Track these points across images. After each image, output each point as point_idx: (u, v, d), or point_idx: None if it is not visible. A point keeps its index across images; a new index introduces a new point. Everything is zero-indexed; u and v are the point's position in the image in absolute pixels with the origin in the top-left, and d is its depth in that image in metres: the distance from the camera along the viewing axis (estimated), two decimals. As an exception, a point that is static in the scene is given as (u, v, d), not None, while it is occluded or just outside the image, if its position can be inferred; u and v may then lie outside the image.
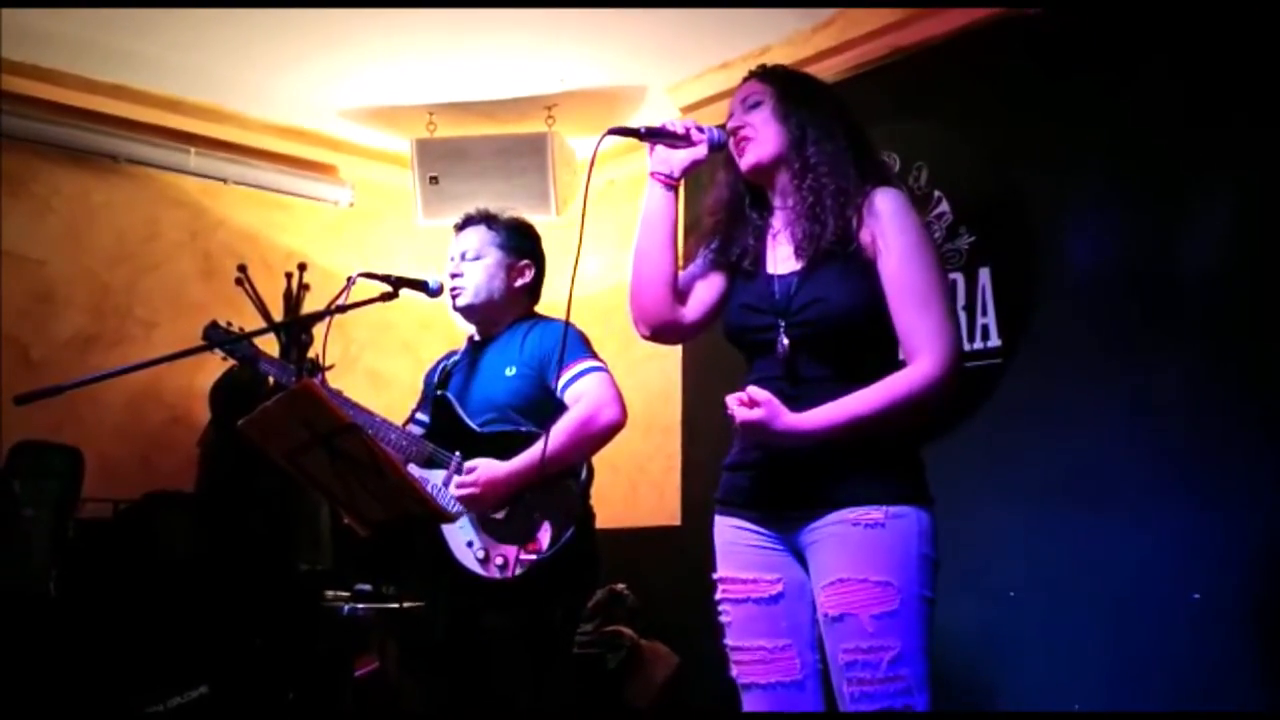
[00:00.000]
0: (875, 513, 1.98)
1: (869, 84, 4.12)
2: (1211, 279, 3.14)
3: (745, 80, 2.26)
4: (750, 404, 2.01)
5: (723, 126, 2.20)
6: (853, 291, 2.05)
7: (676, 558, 4.61)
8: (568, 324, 2.56)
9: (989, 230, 3.68)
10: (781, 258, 2.16)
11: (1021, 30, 3.64)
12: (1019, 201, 3.61)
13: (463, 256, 3.06)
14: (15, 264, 4.54)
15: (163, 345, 4.67)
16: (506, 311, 3.07)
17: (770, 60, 4.29)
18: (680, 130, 2.18)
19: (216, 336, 2.96)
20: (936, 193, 3.84)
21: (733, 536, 2.16)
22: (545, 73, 4.62)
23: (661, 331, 2.29)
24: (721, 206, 2.26)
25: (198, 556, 3.99)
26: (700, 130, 2.19)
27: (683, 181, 2.23)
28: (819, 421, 1.99)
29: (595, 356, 2.96)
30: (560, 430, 2.81)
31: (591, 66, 4.57)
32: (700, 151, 2.19)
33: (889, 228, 2.04)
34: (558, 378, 2.91)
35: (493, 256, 3.05)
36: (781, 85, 2.20)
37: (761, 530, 2.13)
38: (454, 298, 3.05)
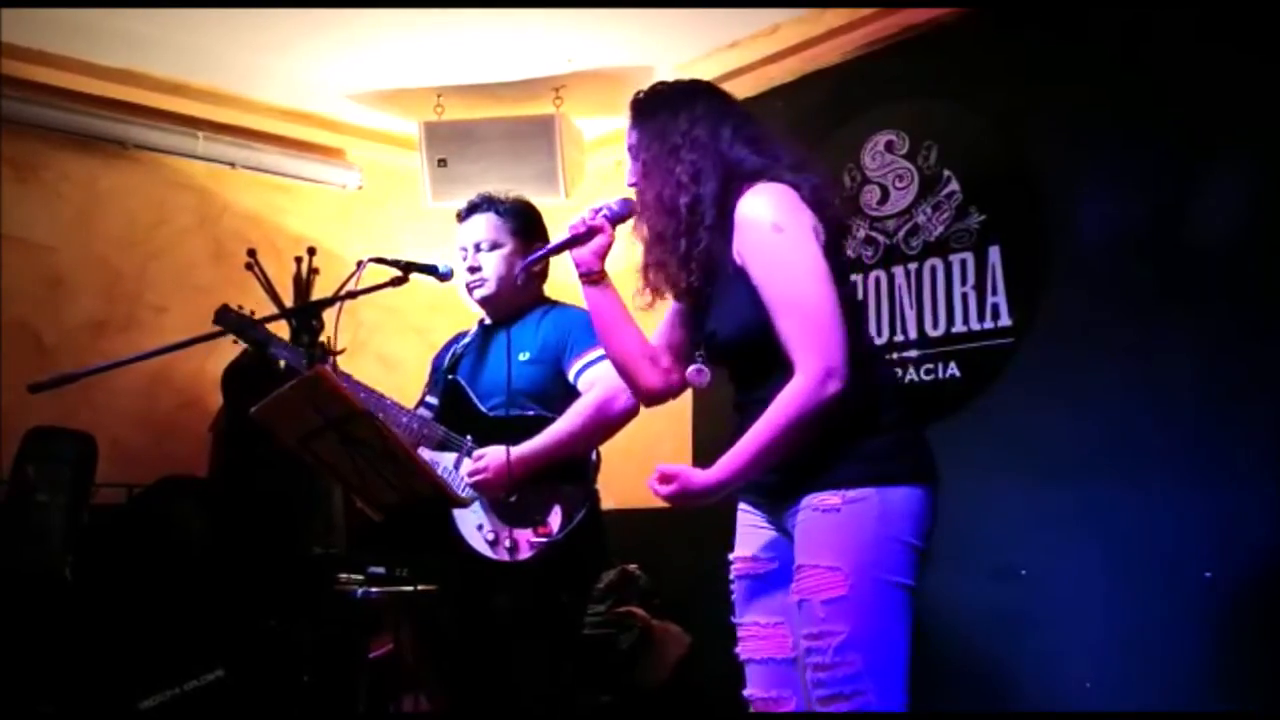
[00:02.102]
0: (833, 498, 1.99)
1: (880, 62, 4.10)
2: (1225, 254, 3.12)
3: None
4: (662, 480, 2.05)
5: (627, 191, 2.23)
6: (737, 316, 2.07)
7: (688, 538, 4.62)
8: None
9: (998, 209, 3.66)
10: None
11: (1031, 6, 3.61)
12: (1029, 179, 3.59)
13: (477, 247, 3.03)
14: (26, 250, 4.55)
15: (173, 330, 4.69)
16: (523, 296, 3.05)
17: (780, 39, 4.35)
18: (579, 230, 2.22)
19: (229, 320, 2.95)
20: (946, 172, 3.83)
21: (742, 519, 2.27)
22: (553, 54, 4.60)
23: (656, 400, 2.34)
24: (646, 257, 2.27)
25: (211, 541, 4.01)
26: (598, 211, 2.22)
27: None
28: (727, 469, 2.02)
29: None
30: (575, 415, 2.82)
31: (599, 47, 4.55)
32: (606, 237, 2.23)
33: (743, 244, 2.03)
34: (571, 364, 2.91)
35: (510, 244, 3.02)
36: (635, 125, 2.21)
37: (761, 515, 2.22)
38: (473, 290, 3.03)
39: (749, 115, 2.22)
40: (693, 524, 4.68)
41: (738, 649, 2.21)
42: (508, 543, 2.82)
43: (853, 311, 2.06)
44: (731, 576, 2.25)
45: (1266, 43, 3.08)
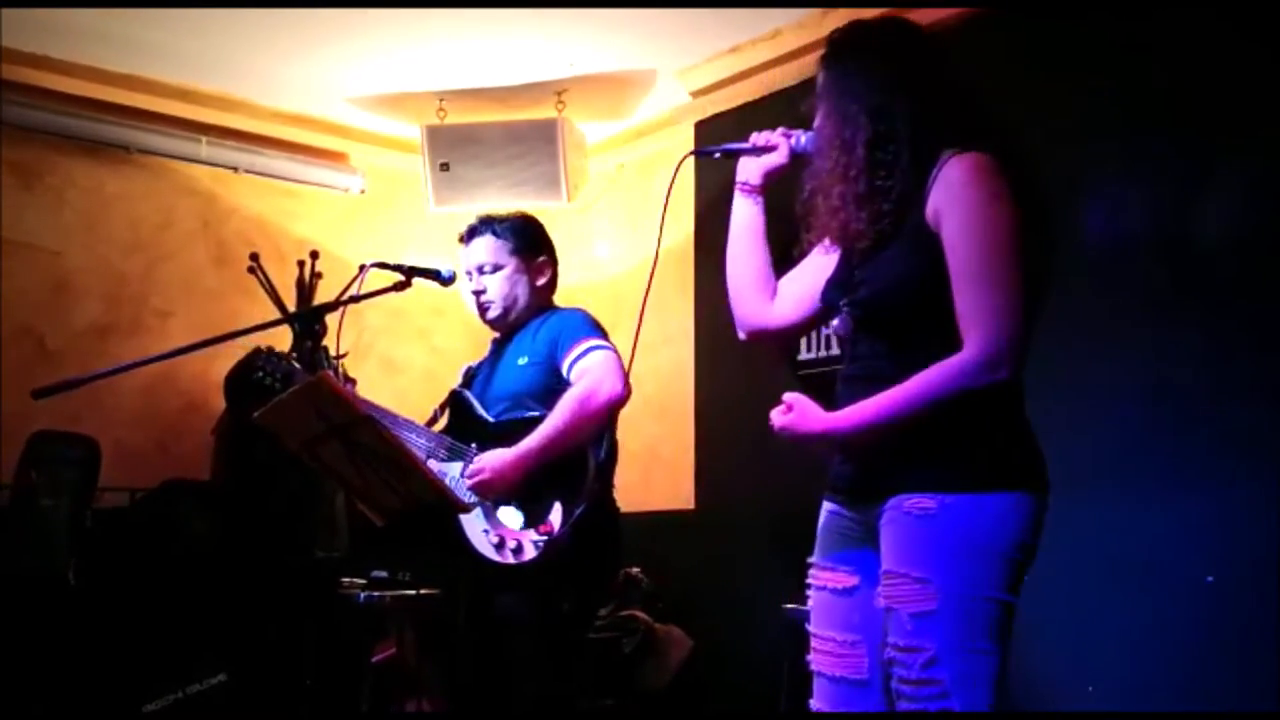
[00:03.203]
0: (927, 501, 1.86)
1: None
2: (1230, 256, 3.11)
3: None
4: (786, 408, 1.95)
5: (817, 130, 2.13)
6: (904, 272, 1.93)
7: (690, 542, 4.64)
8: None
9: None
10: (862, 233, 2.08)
11: (1034, 8, 3.61)
12: (1033, 181, 3.58)
13: (480, 270, 3.08)
14: (31, 255, 4.56)
15: (178, 333, 4.71)
16: (533, 309, 3.10)
17: (782, 44, 4.36)
18: (759, 142, 2.17)
19: (260, 363, 2.96)
20: (949, 175, 3.82)
21: (826, 521, 2.12)
22: (555, 58, 4.61)
23: (756, 335, 2.27)
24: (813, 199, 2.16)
25: (214, 545, 4.02)
26: (787, 135, 2.16)
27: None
28: (850, 420, 1.91)
29: (601, 336, 2.97)
30: (562, 408, 2.83)
31: (601, 51, 4.56)
32: (779, 158, 2.16)
33: (949, 201, 1.90)
34: (563, 360, 2.93)
35: (510, 265, 3.07)
36: (830, 69, 2.07)
37: (848, 514, 2.06)
38: (483, 313, 3.09)
39: (956, 70, 2.08)
40: (694, 526, 4.71)
41: (810, 658, 2.08)
42: (512, 545, 2.83)
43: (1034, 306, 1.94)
44: (809, 583, 2.11)
45: (1275, 40, 3.07)
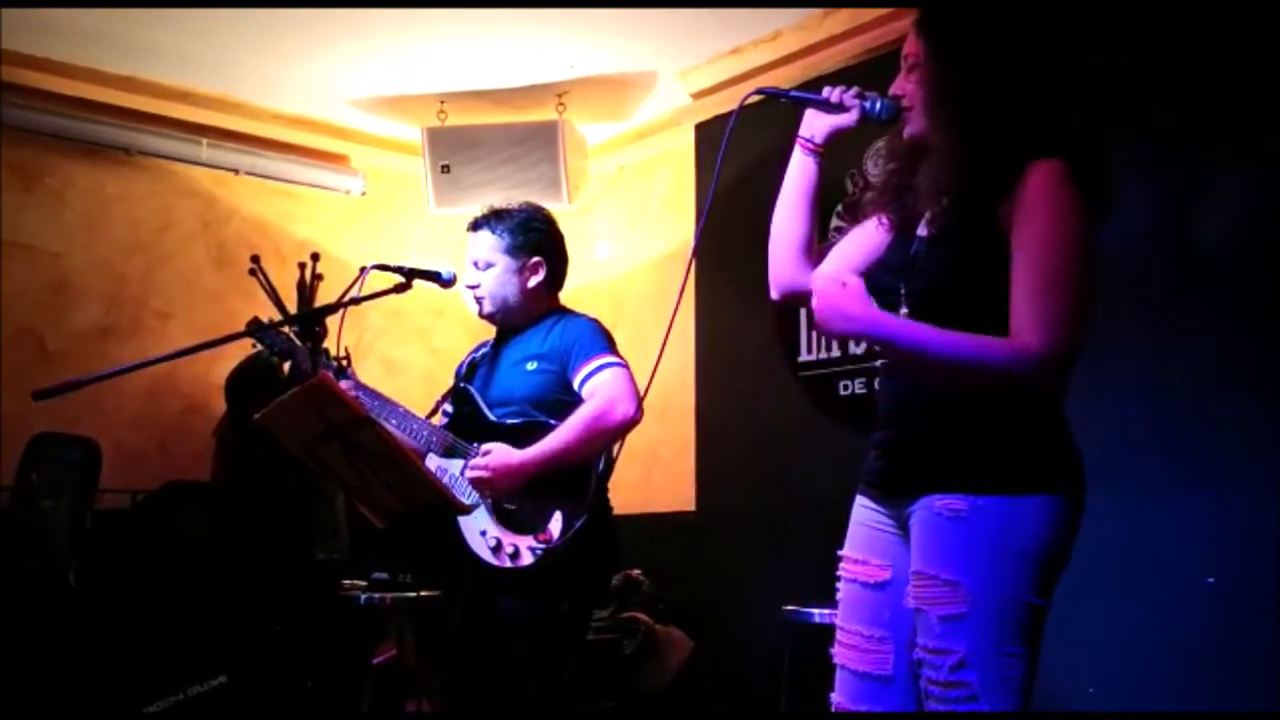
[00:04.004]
0: (959, 503, 1.82)
1: (882, 69, 4.09)
2: (1232, 258, 3.12)
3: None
4: (841, 283, 1.87)
5: (894, 98, 2.04)
6: (970, 266, 1.88)
7: (691, 543, 4.64)
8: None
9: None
10: (929, 220, 2.03)
11: (1035, 9, 3.61)
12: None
13: (475, 264, 3.07)
14: (31, 256, 4.57)
15: (178, 335, 4.72)
16: (528, 309, 3.08)
17: (782, 45, 4.36)
18: (832, 98, 2.07)
19: (259, 331, 2.94)
20: (949, 176, 3.82)
21: (858, 515, 2.07)
22: (555, 60, 4.61)
23: (791, 296, 2.19)
24: (887, 171, 2.13)
25: (215, 546, 4.02)
26: (859, 98, 2.06)
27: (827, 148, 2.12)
28: (884, 327, 1.84)
29: (614, 352, 2.97)
30: (574, 424, 2.82)
31: (602, 53, 4.56)
32: (848, 119, 2.07)
33: (1029, 206, 1.83)
34: (576, 373, 2.93)
35: (501, 263, 3.04)
36: (934, 40, 1.97)
37: (880, 510, 2.02)
38: (478, 307, 3.09)
39: (1057, 73, 2.01)
40: (695, 528, 4.71)
41: (833, 650, 2.04)
42: (510, 549, 2.83)
43: None
44: (839, 575, 2.06)
45: (1276, 43, 3.07)
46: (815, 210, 2.14)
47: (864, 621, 1.99)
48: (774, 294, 2.22)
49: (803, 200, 2.14)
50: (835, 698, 2.04)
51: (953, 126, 1.91)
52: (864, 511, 2.05)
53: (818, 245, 2.18)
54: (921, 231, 2.00)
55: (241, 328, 2.94)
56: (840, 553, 2.07)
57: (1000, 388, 1.82)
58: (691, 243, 4.86)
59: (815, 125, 2.12)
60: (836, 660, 2.04)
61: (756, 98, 2.09)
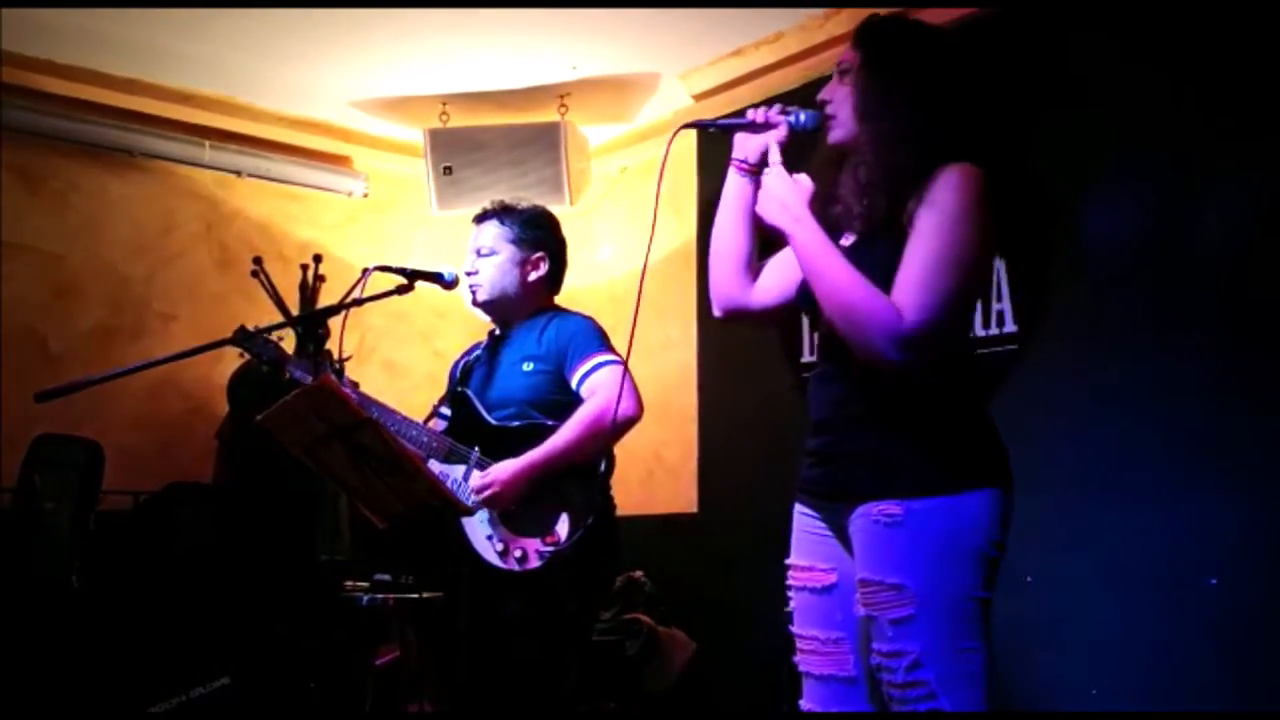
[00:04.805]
0: (894, 508, 1.88)
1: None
2: (1231, 261, 3.11)
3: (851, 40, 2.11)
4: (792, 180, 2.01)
5: (818, 106, 2.10)
6: (887, 271, 1.91)
7: (693, 545, 4.64)
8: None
9: (1004, 215, 3.65)
10: (852, 226, 2.07)
11: (1033, 11, 3.62)
12: (1034, 185, 3.59)
13: (478, 253, 3.07)
14: (35, 258, 4.57)
15: (181, 337, 4.72)
16: (524, 305, 3.08)
17: (784, 47, 4.36)
18: (757, 119, 2.13)
19: (245, 337, 2.93)
20: (951, 178, 3.82)
21: (798, 523, 2.12)
22: (557, 61, 4.62)
23: (731, 313, 2.25)
24: (819, 183, 2.15)
25: (217, 548, 4.02)
26: (787, 113, 2.11)
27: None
28: (811, 230, 1.95)
29: (611, 350, 2.97)
30: (575, 424, 2.83)
31: (604, 54, 4.56)
32: (777, 135, 2.12)
33: (932, 199, 1.90)
34: (574, 372, 2.92)
35: (505, 252, 3.06)
36: (867, 51, 2.05)
37: (818, 517, 2.07)
38: (472, 295, 3.08)
39: (977, 83, 2.11)
40: (697, 530, 4.71)
41: (796, 659, 2.09)
42: (517, 553, 2.83)
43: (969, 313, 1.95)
44: (789, 584, 2.12)
45: (1273, 49, 3.07)
46: (753, 228, 2.18)
47: (819, 625, 2.05)
48: (716, 311, 2.28)
49: (741, 219, 2.19)
50: (805, 704, 2.08)
51: (877, 132, 1.98)
52: (803, 519, 2.11)
53: (757, 261, 2.22)
54: (845, 240, 2.06)
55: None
56: (787, 561, 2.13)
57: (863, 352, 1.88)
58: (692, 248, 4.86)
59: (747, 146, 2.18)
60: (801, 668, 2.09)
61: (686, 132, 2.19)
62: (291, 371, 2.93)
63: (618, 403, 2.80)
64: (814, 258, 1.95)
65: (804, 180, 2.04)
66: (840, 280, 1.90)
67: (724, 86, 4.64)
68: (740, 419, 4.56)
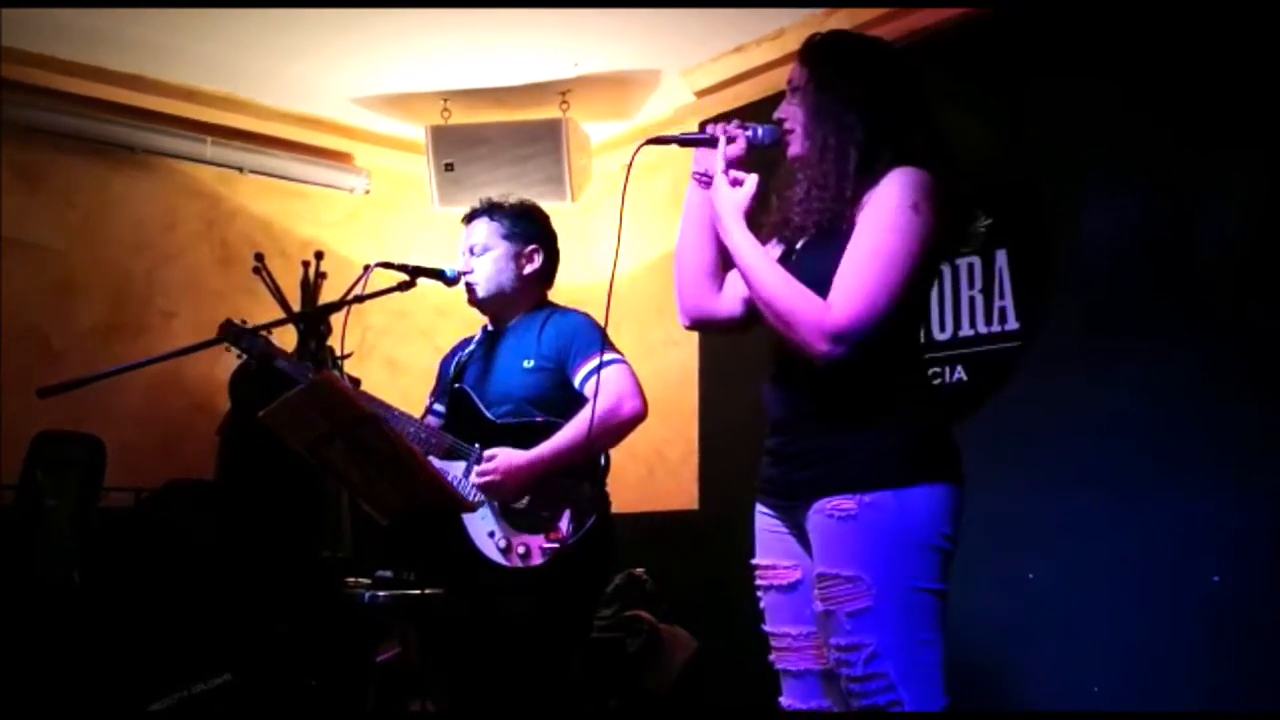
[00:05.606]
0: (847, 502, 1.92)
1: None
2: (1231, 258, 3.11)
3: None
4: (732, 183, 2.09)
5: (776, 122, 2.17)
6: (828, 273, 1.97)
7: (694, 542, 4.63)
8: (601, 312, 2.56)
9: (1005, 212, 3.66)
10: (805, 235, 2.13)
11: (1035, 8, 3.61)
12: (1035, 183, 3.59)
13: (471, 251, 3.07)
14: (36, 255, 4.57)
15: (182, 334, 4.72)
16: (520, 299, 3.08)
17: (785, 44, 4.36)
18: (716, 133, 2.18)
19: (233, 334, 2.90)
20: (952, 175, 3.82)
21: (760, 522, 2.19)
22: (559, 58, 4.61)
23: (699, 323, 2.31)
24: (780, 195, 2.21)
25: (219, 545, 4.02)
26: (744, 128, 2.17)
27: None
28: (740, 236, 2.04)
29: (613, 349, 2.97)
30: (580, 422, 2.83)
31: (605, 51, 4.56)
32: (736, 149, 2.17)
33: (874, 201, 1.97)
34: (576, 371, 2.92)
35: (500, 248, 3.06)
36: (813, 67, 2.13)
37: (776, 516, 2.14)
38: (470, 292, 3.07)
39: (922, 93, 2.16)
40: (698, 527, 4.71)
41: (772, 658, 2.14)
42: (520, 550, 2.83)
43: (916, 312, 2.04)
44: (757, 584, 2.18)
45: (1272, 46, 3.07)
46: (715, 238, 2.22)
47: (789, 622, 2.10)
48: (683, 321, 2.35)
49: (702, 230, 2.25)
50: (785, 701, 2.13)
51: (824, 145, 2.04)
52: (763, 519, 2.17)
53: (722, 271, 2.26)
54: (799, 245, 2.12)
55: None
56: (753, 562, 2.19)
57: (798, 348, 1.94)
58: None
59: (707, 161, 2.22)
60: (778, 665, 2.14)
61: (650, 148, 2.25)
62: (280, 366, 2.92)
63: (625, 401, 2.81)
64: (746, 264, 2.02)
65: (750, 184, 2.10)
66: (768, 279, 1.98)
67: (726, 83, 4.64)
68: (741, 416, 4.53)
